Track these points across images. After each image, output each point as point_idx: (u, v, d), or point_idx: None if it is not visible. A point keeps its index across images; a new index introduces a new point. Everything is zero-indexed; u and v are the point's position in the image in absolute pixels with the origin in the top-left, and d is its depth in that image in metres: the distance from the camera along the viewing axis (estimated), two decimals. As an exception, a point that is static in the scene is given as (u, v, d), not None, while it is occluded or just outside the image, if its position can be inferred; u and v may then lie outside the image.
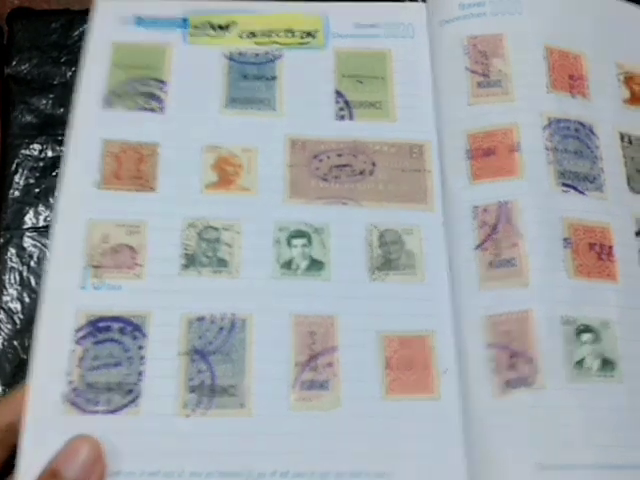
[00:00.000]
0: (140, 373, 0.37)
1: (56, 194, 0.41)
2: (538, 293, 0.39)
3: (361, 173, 0.43)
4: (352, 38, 0.48)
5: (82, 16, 0.48)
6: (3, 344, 0.39)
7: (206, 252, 0.40)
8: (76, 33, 0.50)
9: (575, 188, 0.42)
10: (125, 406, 0.36)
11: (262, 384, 0.37)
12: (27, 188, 0.47)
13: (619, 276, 0.40)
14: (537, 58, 0.45)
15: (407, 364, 0.39)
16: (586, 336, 0.38)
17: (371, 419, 0.37)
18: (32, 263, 0.44)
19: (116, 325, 0.38)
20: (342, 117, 0.45)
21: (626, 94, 0.46)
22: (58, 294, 0.38)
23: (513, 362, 0.38)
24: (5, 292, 0.40)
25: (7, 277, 0.41)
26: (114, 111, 0.44)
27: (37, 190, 0.46)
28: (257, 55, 0.47)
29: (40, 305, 0.38)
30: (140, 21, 0.47)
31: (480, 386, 0.38)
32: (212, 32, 0.47)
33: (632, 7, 0.51)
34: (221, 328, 0.38)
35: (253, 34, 0.47)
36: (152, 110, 0.44)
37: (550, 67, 0.45)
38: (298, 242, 0.41)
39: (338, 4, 0.50)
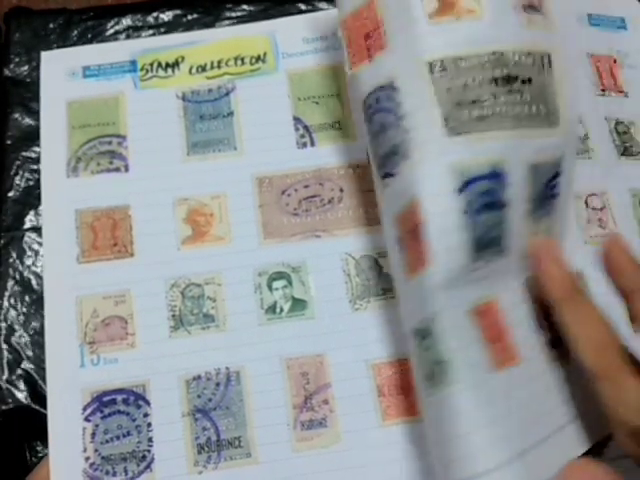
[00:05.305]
0: (150, 439, 0.39)
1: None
2: None
3: (330, 202, 0.44)
4: (302, 56, 0.47)
5: (80, 15, 0.49)
6: (2, 344, 0.42)
7: (192, 310, 0.42)
8: (74, 33, 0.50)
9: None
10: (141, 472, 0.39)
11: (264, 431, 0.39)
12: (27, 190, 0.47)
13: None
14: None
15: (399, 388, 0.40)
16: None
17: (372, 448, 0.39)
18: (32, 264, 0.46)
19: (119, 397, 0.40)
20: (304, 144, 0.45)
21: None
22: (60, 375, 0.40)
23: None
24: (5, 292, 0.42)
25: (7, 278, 0.43)
26: (80, 178, 0.44)
27: (37, 191, 0.46)
28: (210, 91, 0.46)
29: (47, 388, 0.40)
30: (88, 71, 0.47)
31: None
32: (162, 72, 0.47)
33: None
34: (217, 384, 0.40)
35: (203, 68, 0.47)
36: (117, 170, 0.44)
37: None
38: (279, 284, 0.42)
39: (283, 19, 0.49)
